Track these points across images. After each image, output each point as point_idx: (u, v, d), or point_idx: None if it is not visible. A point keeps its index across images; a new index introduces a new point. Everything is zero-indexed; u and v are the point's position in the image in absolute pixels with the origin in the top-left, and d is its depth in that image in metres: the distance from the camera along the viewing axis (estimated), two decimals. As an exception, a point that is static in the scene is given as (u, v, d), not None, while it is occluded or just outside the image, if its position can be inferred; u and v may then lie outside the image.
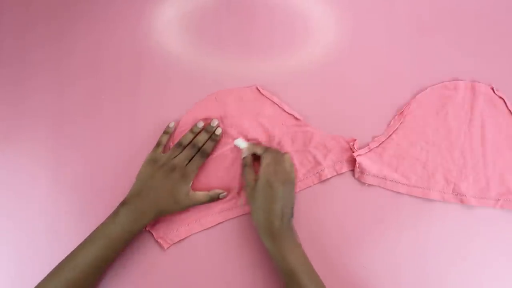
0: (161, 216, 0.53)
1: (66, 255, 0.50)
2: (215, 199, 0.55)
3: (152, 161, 0.55)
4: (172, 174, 0.53)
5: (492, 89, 0.59)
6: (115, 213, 0.51)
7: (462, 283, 0.54)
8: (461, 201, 0.56)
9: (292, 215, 0.50)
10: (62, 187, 0.58)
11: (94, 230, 0.51)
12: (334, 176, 0.57)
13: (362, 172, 0.56)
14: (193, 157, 0.55)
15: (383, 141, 0.57)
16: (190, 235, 0.55)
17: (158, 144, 0.56)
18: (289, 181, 0.51)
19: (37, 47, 0.64)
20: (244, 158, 0.55)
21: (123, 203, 0.52)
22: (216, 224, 0.56)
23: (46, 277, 0.48)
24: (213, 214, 0.56)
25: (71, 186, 0.58)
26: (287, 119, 0.59)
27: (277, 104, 0.59)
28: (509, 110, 0.58)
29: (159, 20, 0.64)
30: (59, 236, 0.56)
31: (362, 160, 0.56)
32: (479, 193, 0.56)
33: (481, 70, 0.60)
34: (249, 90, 0.60)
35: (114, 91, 0.62)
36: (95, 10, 0.65)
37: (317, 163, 0.57)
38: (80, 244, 0.50)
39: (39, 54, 0.63)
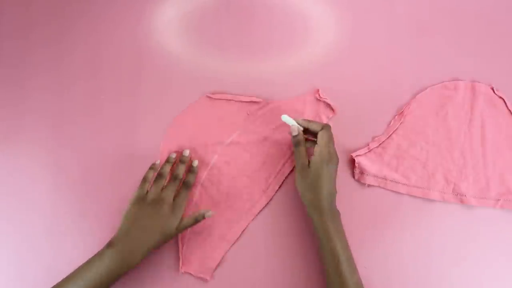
0: (149, 253, 0.50)
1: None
2: (200, 219, 0.53)
3: (139, 199, 0.53)
4: (162, 210, 0.52)
5: (492, 89, 0.59)
6: (101, 254, 0.48)
7: (462, 282, 0.54)
8: (461, 201, 0.56)
9: (335, 195, 0.51)
10: (62, 188, 0.58)
11: (74, 272, 0.47)
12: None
13: (362, 172, 0.56)
14: (177, 189, 0.55)
15: (383, 141, 0.57)
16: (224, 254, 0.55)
17: (144, 180, 0.55)
18: (337, 161, 0.52)
19: (37, 47, 0.64)
20: (295, 136, 0.52)
21: (109, 245, 0.49)
22: (241, 234, 0.56)
23: None
24: (234, 225, 0.56)
25: (70, 186, 0.58)
26: (248, 108, 0.59)
27: (232, 100, 0.59)
28: (509, 110, 0.58)
29: (159, 20, 0.64)
30: (59, 237, 0.56)
31: (362, 160, 0.56)
32: (479, 193, 0.56)
33: (481, 70, 0.60)
34: (200, 101, 0.60)
35: (114, 91, 0.62)
36: (95, 10, 0.65)
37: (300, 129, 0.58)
38: (60, 282, 0.47)
39: (39, 54, 0.63)
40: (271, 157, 0.58)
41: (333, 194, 0.51)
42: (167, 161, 0.57)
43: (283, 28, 0.63)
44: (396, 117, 0.59)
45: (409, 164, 0.57)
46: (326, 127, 0.52)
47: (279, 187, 0.57)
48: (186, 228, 0.53)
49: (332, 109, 0.59)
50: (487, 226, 0.55)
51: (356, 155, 0.56)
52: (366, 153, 0.57)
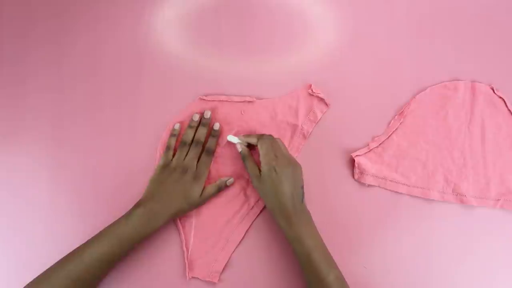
0: (174, 218, 0.53)
1: (65, 252, 0.49)
2: (223, 187, 0.55)
3: (163, 166, 0.55)
4: (185, 177, 0.54)
5: (492, 89, 0.59)
6: (128, 214, 0.51)
7: (462, 282, 0.54)
8: (461, 201, 0.56)
9: (303, 195, 0.51)
10: (62, 187, 0.58)
11: (104, 229, 0.50)
12: (333, 174, 0.57)
13: (361, 172, 0.56)
14: (201, 154, 0.56)
15: (383, 141, 0.57)
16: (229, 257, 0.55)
17: (167, 148, 0.57)
18: (292, 163, 0.52)
19: (37, 47, 0.64)
20: (241, 152, 0.55)
21: (137, 205, 0.52)
22: (244, 234, 0.56)
23: (48, 269, 0.48)
24: (237, 226, 0.56)
25: (70, 186, 0.58)
26: (242, 107, 0.59)
27: (226, 101, 0.59)
28: (509, 110, 0.58)
29: (159, 20, 0.64)
30: (59, 236, 0.56)
31: (361, 160, 0.56)
32: (479, 193, 0.56)
33: (481, 70, 0.60)
34: (194, 104, 0.60)
35: (114, 91, 0.62)
36: (95, 10, 0.65)
37: (294, 126, 0.58)
38: (88, 241, 0.50)
39: (39, 54, 0.63)
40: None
41: (296, 196, 0.50)
42: (189, 125, 0.57)
43: (283, 28, 0.63)
44: (396, 117, 0.59)
45: (409, 164, 0.57)
46: (262, 137, 0.53)
47: None
48: (210, 196, 0.55)
49: (326, 104, 0.59)
50: (487, 226, 0.55)
51: (356, 155, 0.56)
52: (366, 153, 0.57)
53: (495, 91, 0.58)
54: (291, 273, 0.54)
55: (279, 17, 0.64)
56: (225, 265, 0.55)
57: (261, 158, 0.52)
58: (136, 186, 0.56)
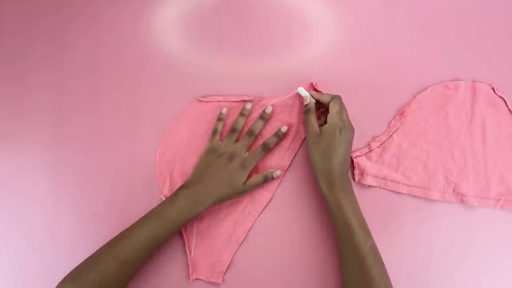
0: (217, 203, 0.53)
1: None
2: (269, 178, 0.55)
3: (211, 150, 0.55)
4: (231, 164, 0.53)
5: (493, 89, 0.59)
6: (174, 195, 0.51)
7: (463, 283, 0.54)
8: (462, 201, 0.56)
9: (350, 164, 0.52)
10: (62, 187, 0.58)
11: (150, 211, 0.51)
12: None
13: (362, 173, 0.56)
14: (251, 145, 0.56)
15: (383, 141, 0.57)
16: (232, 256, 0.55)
17: (214, 132, 0.57)
18: (352, 130, 0.52)
19: (37, 46, 0.64)
20: (306, 104, 0.54)
21: (182, 187, 0.52)
22: (247, 234, 0.56)
23: (97, 251, 0.49)
24: (239, 225, 0.56)
25: (71, 185, 0.58)
26: (240, 107, 0.59)
27: (224, 101, 0.59)
28: (510, 110, 0.58)
29: (159, 20, 0.64)
30: (59, 237, 0.56)
31: (361, 161, 0.56)
32: (479, 193, 0.56)
33: (482, 70, 0.60)
34: (192, 106, 0.60)
35: (114, 91, 0.61)
36: (95, 10, 0.65)
37: (291, 125, 0.58)
38: (135, 223, 0.50)
39: (39, 54, 0.63)
40: (268, 154, 0.58)
41: (345, 163, 0.51)
42: (241, 113, 0.57)
43: (283, 28, 0.63)
44: (396, 117, 0.59)
45: (409, 164, 0.57)
46: (336, 97, 0.53)
47: (279, 183, 0.57)
48: (254, 186, 0.54)
49: None
50: (487, 226, 0.55)
51: (356, 156, 0.56)
52: (367, 153, 0.57)
53: (495, 91, 0.58)
54: (295, 272, 0.54)
55: (279, 17, 0.63)
56: (228, 266, 0.55)
57: (330, 117, 0.51)
58: (136, 184, 0.56)
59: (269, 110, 0.57)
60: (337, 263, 0.54)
